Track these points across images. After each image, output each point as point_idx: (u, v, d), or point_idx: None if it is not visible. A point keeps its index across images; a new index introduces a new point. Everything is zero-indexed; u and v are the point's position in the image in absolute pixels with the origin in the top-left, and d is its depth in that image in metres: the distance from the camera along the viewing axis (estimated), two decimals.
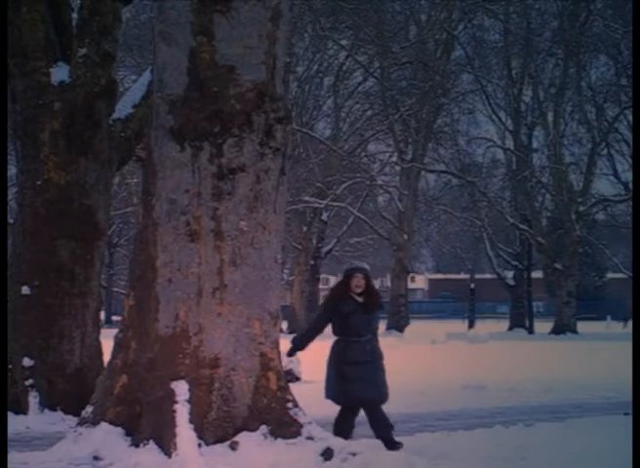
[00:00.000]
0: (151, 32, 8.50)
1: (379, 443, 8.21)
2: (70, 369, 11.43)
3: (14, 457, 7.80)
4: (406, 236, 41.93)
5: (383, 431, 8.35)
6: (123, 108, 12.36)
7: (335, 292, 8.65)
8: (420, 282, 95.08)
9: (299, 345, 8.67)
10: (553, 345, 30.50)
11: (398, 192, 42.59)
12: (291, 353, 8.71)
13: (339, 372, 8.33)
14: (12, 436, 9.37)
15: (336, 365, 8.38)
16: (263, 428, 7.75)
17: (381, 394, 8.44)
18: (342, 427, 8.43)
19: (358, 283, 8.35)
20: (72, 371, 11.42)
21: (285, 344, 8.51)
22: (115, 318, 50.95)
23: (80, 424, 8.10)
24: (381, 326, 47.64)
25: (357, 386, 8.24)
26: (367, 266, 8.81)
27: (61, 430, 9.58)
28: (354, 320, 8.31)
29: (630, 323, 48.28)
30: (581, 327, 43.77)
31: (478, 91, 44.09)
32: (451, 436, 9.54)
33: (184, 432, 7.43)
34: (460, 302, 67.34)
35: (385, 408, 12.28)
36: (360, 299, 8.38)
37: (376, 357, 8.40)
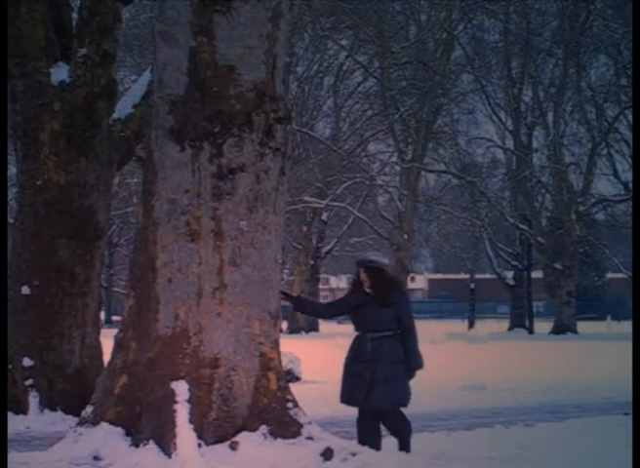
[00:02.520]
0: (151, 32, 8.49)
1: None
2: (70, 369, 11.43)
3: (14, 457, 7.80)
4: (406, 236, 41.91)
5: (369, 438, 7.79)
6: (123, 108, 12.36)
7: (350, 285, 8.19)
8: (419, 282, 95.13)
9: (298, 300, 8.28)
10: (553, 345, 30.51)
11: (398, 192, 42.59)
12: (286, 296, 8.18)
13: (344, 368, 7.88)
14: (12, 436, 9.38)
15: (345, 360, 7.91)
16: (263, 428, 7.74)
17: (372, 399, 7.64)
18: (360, 433, 7.90)
19: (363, 278, 7.81)
20: (72, 371, 11.43)
21: (285, 344, 8.50)
22: (115, 318, 50.96)
23: (80, 424, 8.10)
24: None
25: (350, 385, 7.78)
26: (373, 257, 7.95)
27: (61, 430, 9.58)
28: (360, 314, 7.84)
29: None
30: (581, 327, 43.79)
31: (478, 91, 44.12)
32: (451, 436, 9.54)
33: (184, 432, 7.43)
34: (460, 302, 67.36)
35: None
36: (371, 292, 7.81)
37: (379, 357, 7.61)
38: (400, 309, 7.74)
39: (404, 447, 7.89)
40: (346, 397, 7.87)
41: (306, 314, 7.87)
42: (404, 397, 7.74)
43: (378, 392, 7.60)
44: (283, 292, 8.23)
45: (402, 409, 7.87)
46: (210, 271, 7.88)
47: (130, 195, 45.04)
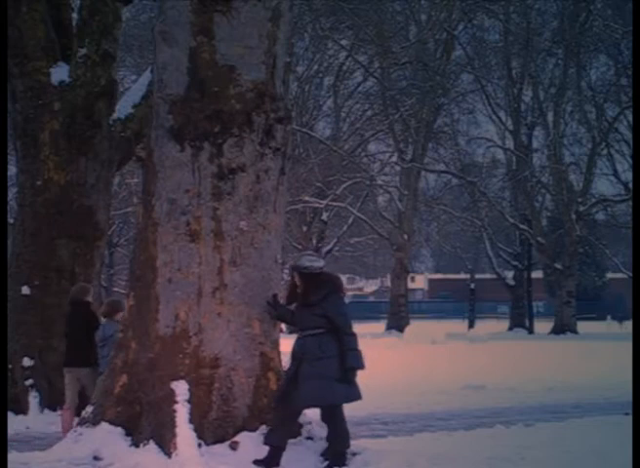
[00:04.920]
0: (151, 32, 8.49)
1: (379, 443, 8.20)
2: None
3: (14, 457, 7.80)
4: (406, 236, 41.92)
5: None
6: (123, 108, 12.37)
7: (288, 288, 8.01)
8: (419, 282, 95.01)
9: (280, 309, 8.03)
10: (553, 345, 30.47)
11: (398, 192, 42.58)
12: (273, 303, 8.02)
13: None
14: (12, 436, 9.39)
15: None
16: (263, 428, 7.74)
17: (298, 398, 7.47)
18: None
19: (297, 281, 7.70)
20: None
21: (285, 344, 8.49)
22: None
23: (80, 424, 8.11)
24: (382, 325, 46.88)
25: (281, 383, 7.72)
26: (307, 263, 7.72)
27: (62, 430, 9.57)
28: (295, 314, 7.83)
29: (627, 323, 48.38)
30: (581, 327, 43.75)
31: (478, 91, 44.04)
32: (451, 436, 9.55)
33: (184, 432, 7.43)
34: (460, 302, 67.30)
35: (386, 407, 12.36)
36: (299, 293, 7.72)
37: (303, 355, 7.48)
38: (326, 308, 7.49)
39: (326, 454, 7.61)
40: (276, 395, 7.71)
41: (285, 323, 7.75)
42: (330, 395, 7.43)
43: (301, 390, 7.42)
44: (274, 297, 8.06)
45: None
46: (210, 271, 7.88)
47: (130, 195, 44.99)
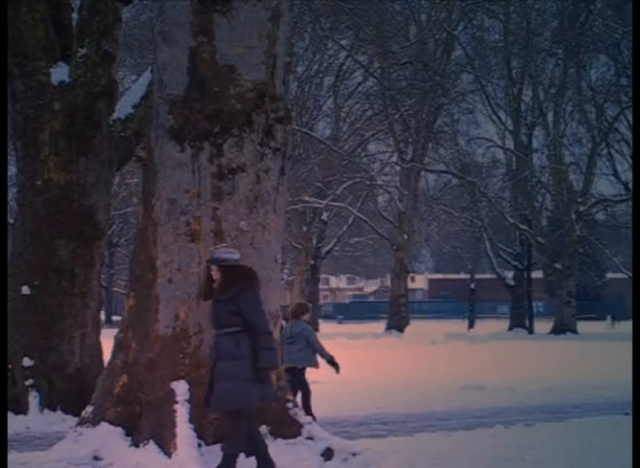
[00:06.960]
0: (151, 32, 8.49)
1: (379, 443, 8.20)
2: (70, 369, 11.43)
3: (14, 457, 7.81)
4: (406, 236, 41.93)
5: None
6: (123, 108, 12.37)
7: (203, 283, 7.60)
8: (419, 282, 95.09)
9: None
10: (553, 345, 30.49)
11: (398, 192, 42.59)
12: None
13: None
14: (12, 436, 9.38)
15: None
16: (263, 428, 7.73)
17: (211, 400, 7.08)
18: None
19: (214, 275, 7.28)
20: (72, 371, 11.43)
21: None
22: (115, 318, 50.93)
23: (80, 424, 8.11)
24: (382, 325, 46.94)
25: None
26: (225, 255, 7.32)
27: (61, 430, 9.59)
28: (211, 311, 7.40)
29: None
30: (581, 327, 43.78)
31: (478, 91, 44.10)
32: (451, 436, 9.55)
33: (184, 432, 7.43)
34: (460, 302, 67.34)
35: (386, 407, 12.34)
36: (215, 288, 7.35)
37: (218, 355, 7.09)
38: (240, 306, 7.12)
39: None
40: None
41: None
42: (245, 396, 7.01)
43: (215, 393, 7.06)
44: None
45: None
46: None
47: (130, 195, 44.99)
